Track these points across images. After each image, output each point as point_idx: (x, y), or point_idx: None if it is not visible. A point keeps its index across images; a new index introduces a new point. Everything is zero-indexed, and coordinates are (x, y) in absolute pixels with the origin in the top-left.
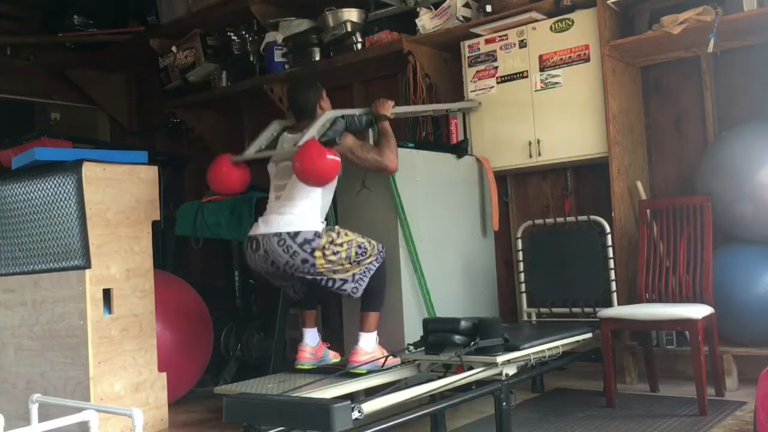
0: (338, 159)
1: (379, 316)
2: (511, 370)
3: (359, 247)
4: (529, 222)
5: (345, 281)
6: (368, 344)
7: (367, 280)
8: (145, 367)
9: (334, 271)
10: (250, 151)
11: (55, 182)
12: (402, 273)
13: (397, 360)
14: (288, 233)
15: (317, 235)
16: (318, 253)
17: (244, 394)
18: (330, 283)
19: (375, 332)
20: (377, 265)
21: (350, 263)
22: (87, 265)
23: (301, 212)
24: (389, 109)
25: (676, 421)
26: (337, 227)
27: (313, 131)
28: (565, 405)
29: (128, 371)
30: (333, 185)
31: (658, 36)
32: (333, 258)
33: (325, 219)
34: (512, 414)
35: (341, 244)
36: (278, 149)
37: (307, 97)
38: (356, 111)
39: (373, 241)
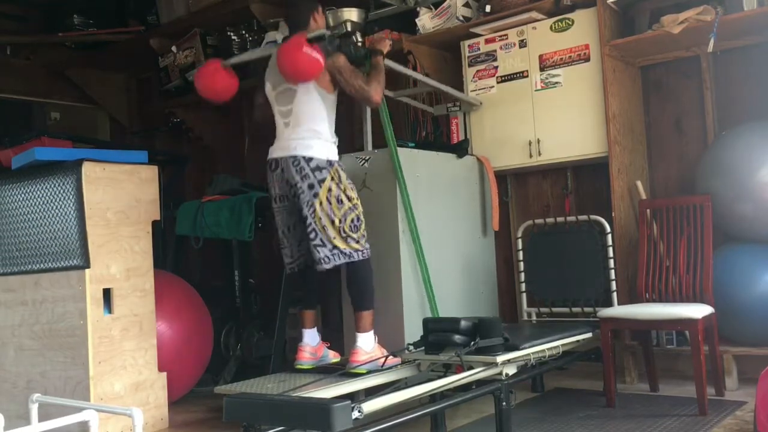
0: (319, 56)
1: (373, 314)
2: (511, 370)
3: (357, 219)
4: (529, 222)
5: (323, 244)
6: (367, 344)
7: (341, 260)
8: (145, 367)
9: (323, 226)
10: (241, 57)
11: (55, 182)
12: (402, 273)
13: (397, 360)
14: (303, 156)
15: (329, 163)
16: (324, 186)
17: (244, 394)
18: (312, 235)
19: (372, 331)
20: (357, 257)
21: (341, 231)
22: (86, 264)
23: (313, 135)
24: (386, 45)
25: (676, 420)
26: (351, 184)
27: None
28: (565, 405)
29: (128, 371)
30: (333, 104)
31: (658, 36)
32: (334, 203)
33: (335, 139)
34: (512, 414)
35: (349, 198)
36: (271, 60)
37: (300, 7)
38: (353, 38)
39: (365, 237)
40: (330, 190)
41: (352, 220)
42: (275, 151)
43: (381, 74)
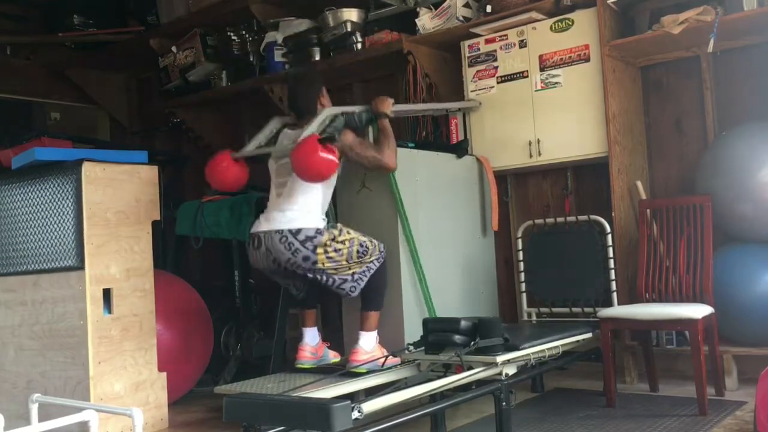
0: (334, 157)
1: (380, 315)
2: (511, 370)
3: (361, 245)
4: (529, 222)
5: (345, 280)
6: (368, 344)
7: (366, 279)
8: (145, 367)
9: (335, 269)
10: (250, 148)
11: (55, 182)
12: (402, 273)
13: (397, 360)
14: (290, 230)
15: (319, 232)
16: (320, 250)
17: (244, 394)
18: (330, 281)
19: (375, 332)
20: (377, 264)
21: (351, 261)
22: (84, 264)
23: (302, 209)
24: (389, 106)
25: (676, 420)
26: (339, 225)
27: (312, 127)
28: (565, 405)
29: (128, 371)
30: (333, 182)
31: (658, 36)
32: (334, 255)
33: (326, 215)
34: (512, 414)
35: (343, 242)
36: (278, 146)
37: (307, 94)
38: (356, 108)
39: (374, 240)
40: (326, 251)
41: (358, 251)
42: (261, 224)
43: (390, 137)
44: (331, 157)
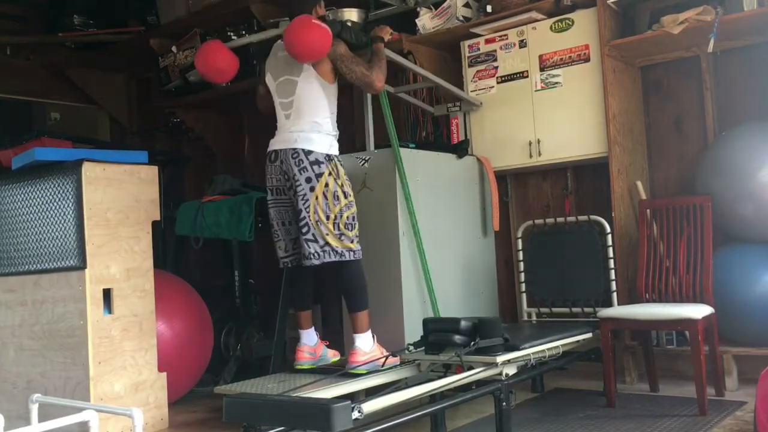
0: (327, 27)
1: (369, 313)
2: (511, 370)
3: (353, 217)
4: (530, 222)
5: (315, 240)
6: (365, 344)
7: (331, 259)
8: (145, 367)
9: (317, 221)
10: (245, 39)
11: (55, 182)
12: (403, 273)
13: (397, 360)
14: (303, 149)
15: (328, 158)
16: (322, 180)
17: (244, 394)
18: (305, 229)
19: (369, 331)
20: (349, 257)
21: (336, 225)
22: (86, 265)
23: (313, 128)
24: (387, 33)
25: (676, 421)
26: (348, 181)
27: None
28: (565, 405)
29: (128, 371)
30: (335, 92)
31: (658, 36)
32: (330, 200)
33: (336, 131)
34: (512, 414)
35: (346, 195)
36: (272, 55)
37: (303, 1)
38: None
39: (358, 238)
40: (327, 185)
41: (347, 218)
42: (276, 143)
43: (382, 61)
44: (324, 25)
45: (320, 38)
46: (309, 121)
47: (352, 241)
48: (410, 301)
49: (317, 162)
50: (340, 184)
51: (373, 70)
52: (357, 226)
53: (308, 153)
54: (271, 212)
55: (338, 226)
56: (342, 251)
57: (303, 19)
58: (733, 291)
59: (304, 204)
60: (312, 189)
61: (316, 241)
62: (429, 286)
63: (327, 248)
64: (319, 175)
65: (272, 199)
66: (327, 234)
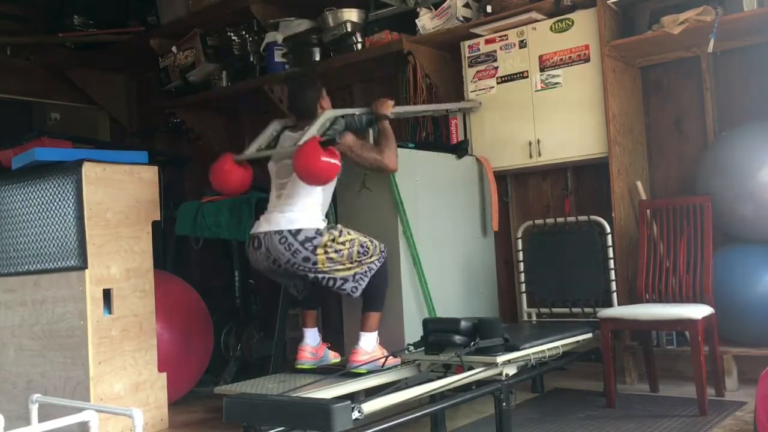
0: (336, 161)
1: (381, 316)
2: (511, 370)
3: (361, 246)
4: (529, 222)
5: (345, 280)
6: (368, 344)
7: (367, 279)
8: (145, 367)
9: (336, 270)
10: (251, 150)
11: (55, 182)
12: (402, 273)
13: (397, 360)
14: (290, 231)
15: (319, 232)
16: (320, 251)
17: (244, 394)
18: (331, 282)
19: (376, 332)
20: (378, 265)
21: (352, 262)
22: (86, 265)
23: (303, 210)
24: (389, 108)
25: (676, 421)
26: (339, 226)
27: (313, 130)
28: (565, 405)
29: (128, 371)
30: (333, 183)
31: (658, 36)
32: (334, 256)
33: (326, 217)
34: (512, 414)
35: (343, 243)
36: (279, 148)
37: (307, 97)
38: (356, 110)
39: (375, 241)
40: (327, 252)
41: (358, 252)
42: (260, 225)
43: (391, 139)
44: (333, 160)
45: (328, 173)
46: (298, 203)
47: (371, 256)
48: (410, 301)
49: (308, 239)
50: (336, 241)
51: (384, 153)
52: (367, 239)
53: (296, 233)
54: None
55: (352, 260)
56: (369, 268)
57: (310, 155)
58: (733, 291)
59: (314, 275)
60: (315, 263)
61: (346, 281)
62: (424, 287)
63: (358, 276)
64: (314, 250)
65: (269, 273)
66: (350, 269)
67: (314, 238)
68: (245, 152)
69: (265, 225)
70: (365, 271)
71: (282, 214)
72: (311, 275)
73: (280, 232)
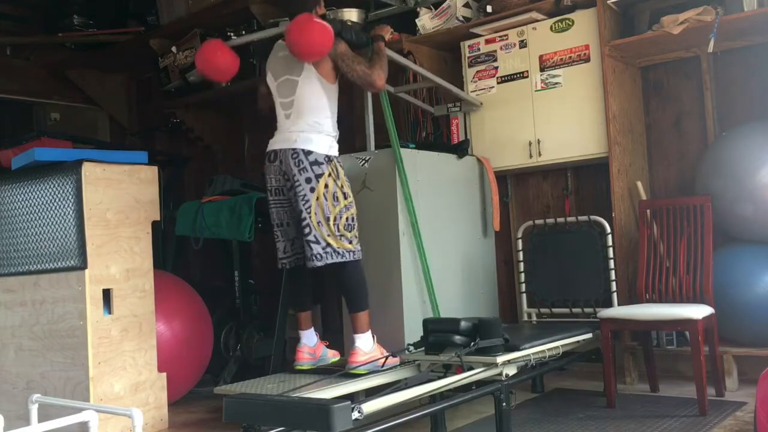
0: (328, 25)
1: (369, 314)
2: (511, 371)
3: (352, 218)
4: (530, 222)
5: (317, 241)
6: (365, 344)
7: (333, 260)
8: (145, 368)
9: (318, 222)
10: (246, 38)
11: (55, 182)
12: (403, 273)
13: (397, 360)
14: (303, 150)
15: (328, 158)
16: (322, 181)
17: (244, 394)
18: (306, 230)
19: (369, 331)
20: (350, 258)
21: (336, 227)
22: (85, 265)
23: (313, 128)
24: (388, 32)
25: (676, 421)
26: (342, 171)
27: None
28: (565, 405)
29: (128, 371)
30: (335, 92)
31: (658, 36)
32: (330, 202)
33: (336, 132)
34: (512, 414)
35: (345, 196)
36: (272, 56)
37: (303, 1)
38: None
39: (358, 239)
40: (327, 186)
41: (347, 219)
42: (275, 143)
43: (383, 59)
44: (325, 23)
45: (322, 37)
46: (309, 121)
47: (351, 242)
48: (410, 301)
49: (317, 162)
50: (339, 185)
51: (374, 69)
52: (356, 226)
53: (308, 153)
54: (271, 213)
55: (338, 227)
56: (342, 252)
57: (304, 18)
58: (733, 291)
59: (304, 205)
60: (312, 190)
61: (318, 242)
62: (429, 286)
63: (329, 249)
64: (318, 176)
65: (272, 199)
66: (328, 235)
67: (322, 163)
68: (237, 39)
69: (280, 143)
70: (337, 250)
71: (294, 133)
72: (302, 204)
73: (294, 150)
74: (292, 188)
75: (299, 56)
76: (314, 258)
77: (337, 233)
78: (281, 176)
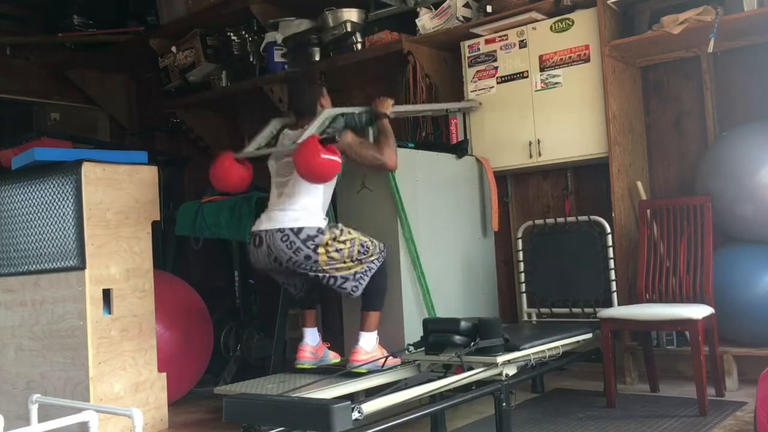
0: (336, 158)
1: (380, 315)
2: (511, 371)
3: (362, 245)
4: (529, 222)
5: (346, 279)
6: (368, 344)
7: (367, 278)
8: (145, 368)
9: (336, 269)
10: (251, 148)
11: (54, 182)
12: (402, 273)
13: (397, 360)
14: (291, 229)
15: (320, 231)
16: (321, 250)
17: (244, 394)
18: (331, 281)
19: (375, 332)
20: (378, 264)
21: (352, 261)
22: (84, 265)
23: (304, 208)
24: (389, 107)
25: (676, 421)
26: (340, 225)
27: (313, 128)
28: (565, 405)
29: (128, 371)
30: (334, 182)
31: (658, 36)
32: (335, 255)
33: (326, 216)
34: (512, 414)
35: (344, 242)
36: (279, 146)
37: (307, 95)
38: (356, 109)
39: (375, 240)
40: (328, 251)
41: (359, 251)
42: (262, 223)
43: (390, 137)
44: (333, 157)
45: (328, 171)
46: (300, 202)
47: (371, 255)
48: (410, 301)
49: (310, 238)
50: (337, 239)
51: (383, 151)
52: (367, 238)
53: (298, 231)
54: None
55: (353, 258)
56: (369, 267)
57: (310, 153)
58: (733, 291)
59: (314, 273)
60: (316, 262)
61: (347, 280)
62: (423, 287)
63: (359, 275)
64: (316, 248)
65: (268, 271)
66: (350, 269)
67: (316, 236)
68: (245, 150)
69: (266, 223)
70: (365, 270)
71: (284, 212)
72: (312, 274)
73: (282, 230)
74: (289, 269)
75: (307, 181)
76: (353, 291)
77: (356, 262)
78: (272, 261)
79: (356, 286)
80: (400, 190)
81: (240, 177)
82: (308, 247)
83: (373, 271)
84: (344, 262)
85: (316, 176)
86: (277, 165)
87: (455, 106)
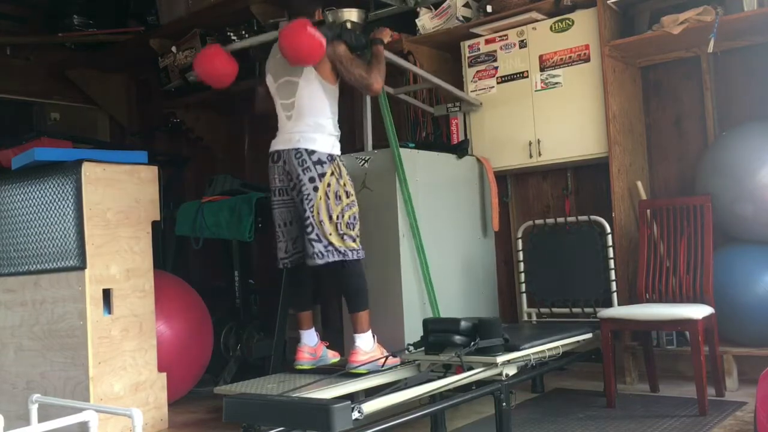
0: (321, 37)
1: (369, 314)
2: (511, 371)
3: (354, 217)
4: (530, 222)
5: (319, 240)
6: (366, 344)
7: (334, 258)
8: (145, 367)
9: (321, 221)
10: (244, 42)
11: (54, 182)
12: (403, 273)
13: (397, 360)
14: (306, 149)
15: (331, 157)
16: (325, 180)
17: (244, 394)
18: (309, 229)
19: (369, 331)
20: (352, 257)
21: (337, 228)
22: (84, 265)
23: (315, 128)
24: (387, 35)
25: (676, 421)
26: (345, 170)
27: None
28: (565, 405)
29: (128, 371)
30: (336, 93)
31: (658, 36)
32: (332, 200)
33: (337, 128)
34: (512, 414)
35: (348, 195)
36: (272, 56)
37: (303, 4)
38: (356, 30)
39: (360, 238)
40: (329, 185)
41: (349, 218)
42: (278, 144)
43: (381, 63)
44: (318, 35)
45: (310, 47)
46: (311, 121)
47: (354, 240)
48: (410, 301)
49: (320, 162)
50: (342, 183)
51: (371, 73)
52: (358, 225)
53: (311, 153)
54: (274, 213)
55: (340, 226)
56: (344, 251)
57: (296, 26)
58: (733, 291)
59: (308, 204)
60: (315, 189)
61: (319, 240)
62: (429, 286)
63: (330, 248)
64: (322, 175)
65: (276, 200)
66: (330, 234)
67: (325, 162)
68: (235, 44)
69: (282, 144)
70: (339, 249)
71: (296, 134)
72: (306, 203)
73: (297, 150)
74: (295, 188)
75: (289, 61)
76: (315, 256)
77: (339, 231)
78: (285, 176)
79: (321, 253)
80: (401, 190)
81: (226, 68)
82: (316, 170)
83: (344, 257)
84: (331, 218)
85: (298, 51)
86: (277, 85)
87: (461, 94)
